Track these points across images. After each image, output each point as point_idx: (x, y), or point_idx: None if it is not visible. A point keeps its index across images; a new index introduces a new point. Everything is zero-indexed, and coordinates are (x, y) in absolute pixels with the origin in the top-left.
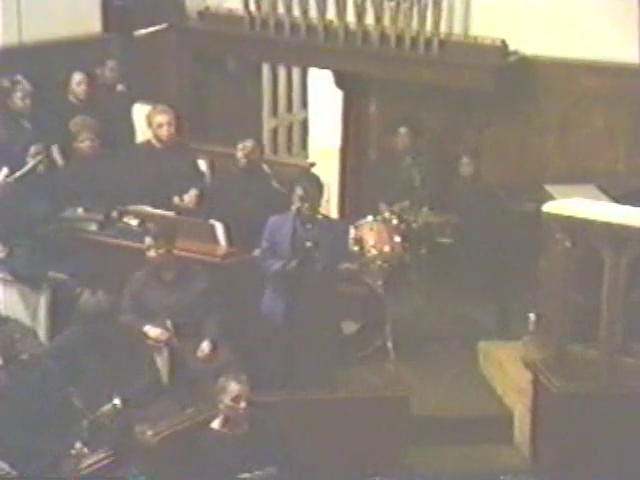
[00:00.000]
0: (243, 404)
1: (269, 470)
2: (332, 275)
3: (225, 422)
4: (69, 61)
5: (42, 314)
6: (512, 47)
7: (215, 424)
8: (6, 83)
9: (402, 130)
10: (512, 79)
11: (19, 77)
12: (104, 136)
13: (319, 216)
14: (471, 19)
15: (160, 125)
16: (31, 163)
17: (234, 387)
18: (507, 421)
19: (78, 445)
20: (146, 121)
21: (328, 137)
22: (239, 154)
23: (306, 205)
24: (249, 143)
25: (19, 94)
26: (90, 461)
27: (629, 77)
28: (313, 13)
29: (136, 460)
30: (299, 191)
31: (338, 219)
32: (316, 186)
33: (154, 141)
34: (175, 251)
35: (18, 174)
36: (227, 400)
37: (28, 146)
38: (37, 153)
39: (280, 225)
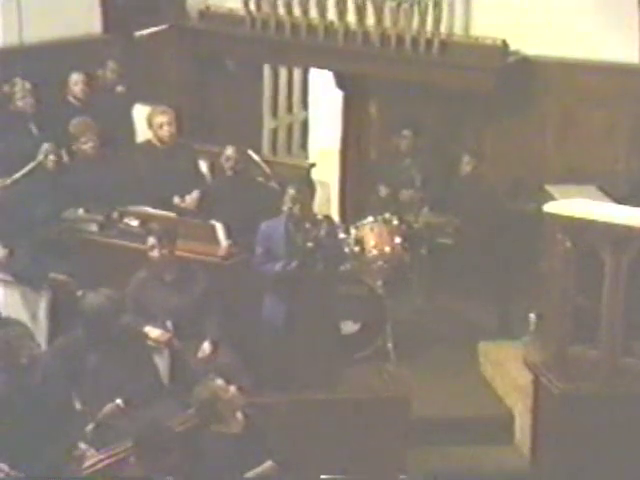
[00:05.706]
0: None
1: (268, 467)
2: (332, 275)
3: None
4: (69, 61)
5: (42, 315)
6: (513, 47)
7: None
8: (6, 88)
9: (405, 132)
10: (512, 79)
11: (17, 79)
12: (104, 137)
13: (319, 217)
14: (472, 19)
15: (161, 126)
16: (31, 164)
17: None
18: (507, 421)
19: (83, 446)
20: (147, 122)
21: (328, 138)
22: (224, 165)
23: (297, 206)
24: (230, 151)
25: (19, 94)
26: (93, 461)
27: (629, 77)
28: (314, 13)
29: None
30: (291, 191)
31: (333, 219)
32: (308, 188)
33: (155, 141)
34: (176, 252)
35: (18, 175)
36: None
37: (35, 150)
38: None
39: (273, 229)
